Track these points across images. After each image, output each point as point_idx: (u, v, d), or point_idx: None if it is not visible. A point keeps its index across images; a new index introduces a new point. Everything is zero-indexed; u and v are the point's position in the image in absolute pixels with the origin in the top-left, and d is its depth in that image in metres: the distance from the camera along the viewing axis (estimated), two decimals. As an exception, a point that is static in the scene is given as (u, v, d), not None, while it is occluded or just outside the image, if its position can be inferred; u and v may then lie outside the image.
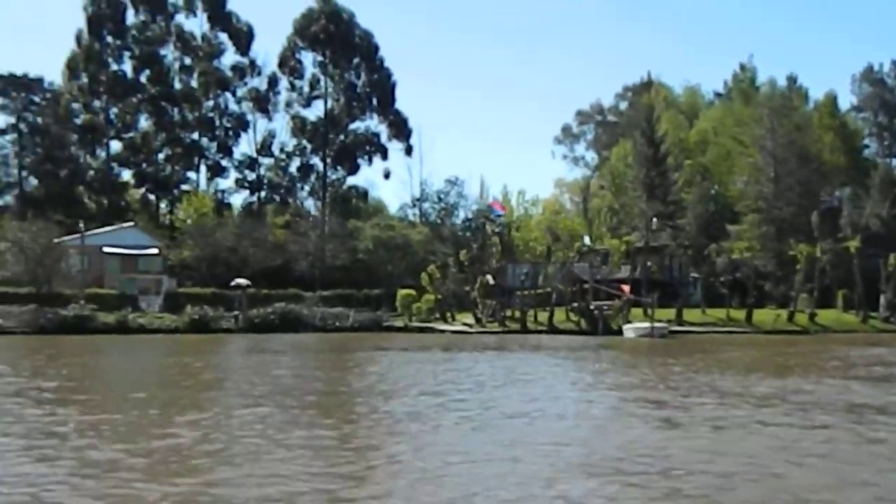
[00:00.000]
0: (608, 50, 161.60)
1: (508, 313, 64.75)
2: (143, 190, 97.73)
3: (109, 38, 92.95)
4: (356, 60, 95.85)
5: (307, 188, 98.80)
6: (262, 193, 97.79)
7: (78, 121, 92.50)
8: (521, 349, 43.08)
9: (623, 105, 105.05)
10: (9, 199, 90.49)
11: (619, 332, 57.30)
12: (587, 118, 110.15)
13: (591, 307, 61.78)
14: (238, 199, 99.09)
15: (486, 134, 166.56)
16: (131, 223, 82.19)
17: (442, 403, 20.16)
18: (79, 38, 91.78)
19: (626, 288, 62.67)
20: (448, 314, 67.35)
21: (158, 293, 69.77)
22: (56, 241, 70.08)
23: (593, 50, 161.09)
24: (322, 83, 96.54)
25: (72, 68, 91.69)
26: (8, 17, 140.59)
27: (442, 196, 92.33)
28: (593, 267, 67.15)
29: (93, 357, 39.27)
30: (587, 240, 79.06)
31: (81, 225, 72.54)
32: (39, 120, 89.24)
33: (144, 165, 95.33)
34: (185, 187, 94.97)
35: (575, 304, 63.23)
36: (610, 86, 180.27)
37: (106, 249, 72.80)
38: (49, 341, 49.41)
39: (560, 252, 71.51)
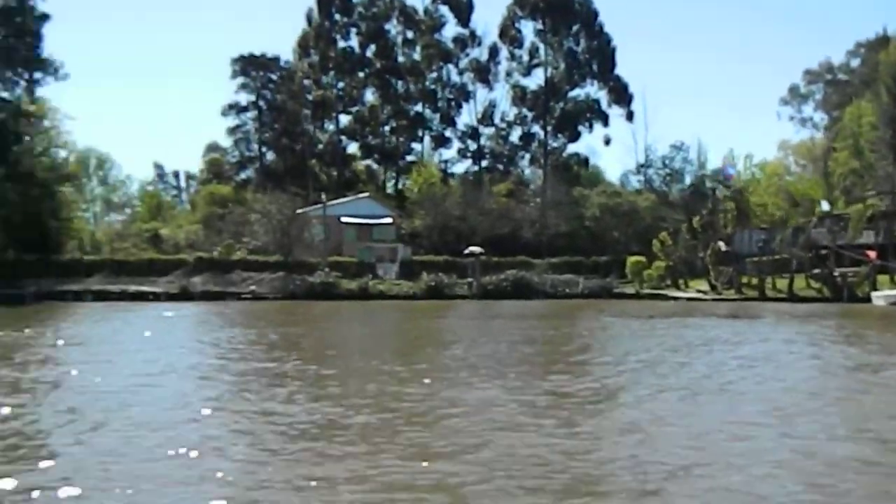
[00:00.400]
0: (836, 5, 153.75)
1: (744, 280, 63.56)
2: (368, 161, 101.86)
3: (337, 16, 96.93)
4: (575, 27, 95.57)
5: (528, 157, 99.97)
6: (484, 163, 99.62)
7: (310, 97, 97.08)
8: (777, 315, 42.29)
9: (855, 62, 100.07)
10: (250, 172, 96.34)
11: (865, 300, 55.08)
12: (816, 77, 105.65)
13: (835, 274, 59.71)
14: (460, 169, 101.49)
15: (709, 97, 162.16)
16: (366, 194, 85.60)
17: (774, 361, 20.46)
18: (309, 18, 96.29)
19: (872, 254, 60.12)
20: (680, 281, 66.71)
21: (394, 261, 72.34)
22: (299, 211, 74.01)
23: (821, 5, 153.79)
24: (541, 51, 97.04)
25: (303, 46, 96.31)
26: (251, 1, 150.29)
27: (667, 162, 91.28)
28: (833, 232, 64.76)
29: (374, 319, 41.47)
30: (825, 205, 75.99)
31: (323, 196, 75.98)
32: (277, 97, 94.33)
33: (370, 138, 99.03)
34: (409, 158, 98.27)
35: (816, 271, 61.27)
36: (840, 43, 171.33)
37: (344, 219, 76.16)
38: (308, 306, 52.29)
39: (794, 218, 69.33)
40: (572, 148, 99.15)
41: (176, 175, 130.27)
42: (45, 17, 70.07)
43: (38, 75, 71.30)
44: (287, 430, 12.15)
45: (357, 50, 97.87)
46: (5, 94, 70.08)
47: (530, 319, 39.46)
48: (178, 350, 23.95)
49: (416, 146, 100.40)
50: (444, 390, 15.59)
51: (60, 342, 26.60)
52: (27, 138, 70.02)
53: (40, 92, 72.06)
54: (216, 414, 13.45)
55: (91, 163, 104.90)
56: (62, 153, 75.98)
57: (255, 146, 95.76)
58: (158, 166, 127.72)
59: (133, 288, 61.47)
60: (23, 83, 71.43)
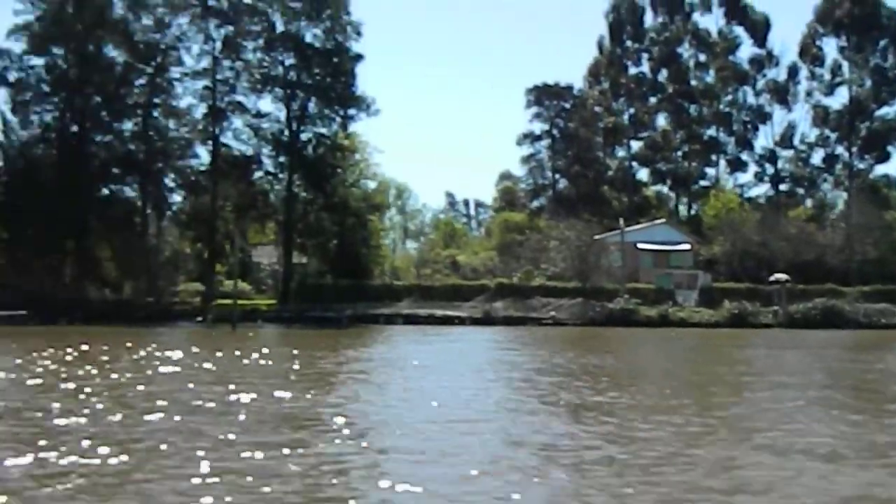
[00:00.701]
0: None
1: None
2: (659, 187, 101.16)
3: (629, 43, 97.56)
4: (883, 43, 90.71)
5: (830, 179, 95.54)
6: (783, 186, 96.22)
7: (601, 124, 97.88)
8: None
9: None
10: (542, 200, 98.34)
11: None
12: None
13: None
14: (757, 193, 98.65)
15: None
16: (662, 220, 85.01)
17: None
18: (600, 45, 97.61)
19: None
20: None
21: (692, 288, 71.10)
22: (596, 237, 74.45)
23: None
24: (845, 69, 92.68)
25: (594, 74, 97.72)
26: (542, 33, 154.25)
27: None
28: None
29: (693, 347, 40.67)
30: None
31: (621, 222, 76.17)
32: (569, 125, 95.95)
33: (662, 163, 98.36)
34: (702, 183, 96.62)
35: None
36: None
37: (640, 245, 75.94)
38: (613, 332, 52.43)
39: None
40: (881, 169, 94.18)
41: (466, 203, 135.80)
42: (358, 58, 74.83)
43: (351, 111, 75.91)
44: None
45: (649, 75, 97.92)
46: (323, 130, 75.27)
47: (865, 351, 37.50)
48: (550, 377, 24.25)
49: (709, 171, 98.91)
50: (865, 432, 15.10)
51: (415, 362, 28.13)
52: (340, 171, 74.86)
53: (352, 127, 76.81)
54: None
55: (391, 192, 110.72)
56: (371, 184, 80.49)
57: (549, 174, 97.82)
58: (450, 195, 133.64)
59: (440, 312, 64.01)
60: (338, 119, 76.25)
